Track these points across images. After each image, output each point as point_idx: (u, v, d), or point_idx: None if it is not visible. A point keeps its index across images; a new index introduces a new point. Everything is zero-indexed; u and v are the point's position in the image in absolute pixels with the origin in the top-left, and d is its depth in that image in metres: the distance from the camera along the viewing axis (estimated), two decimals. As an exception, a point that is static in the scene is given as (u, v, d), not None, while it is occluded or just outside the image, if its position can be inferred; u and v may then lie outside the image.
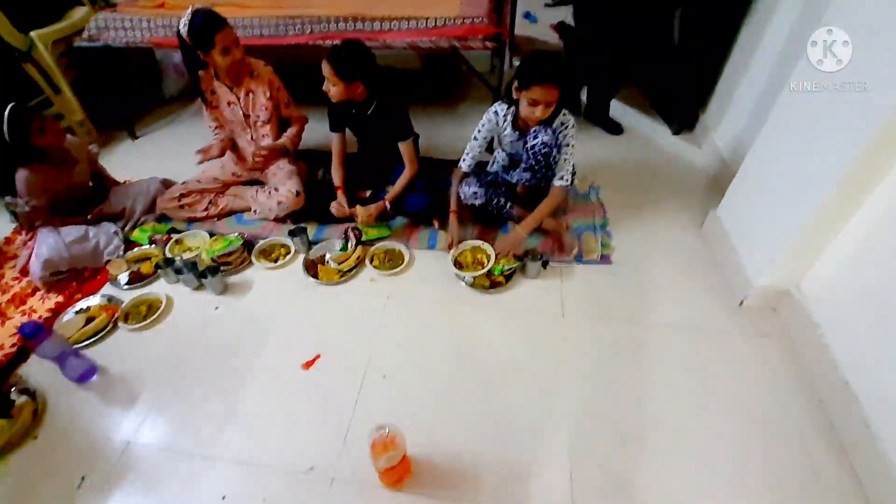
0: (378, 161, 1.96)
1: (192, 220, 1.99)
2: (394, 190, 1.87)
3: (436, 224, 1.88)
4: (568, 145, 1.62)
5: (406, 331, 1.54)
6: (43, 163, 1.75)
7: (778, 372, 1.38)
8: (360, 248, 1.78)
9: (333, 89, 1.67)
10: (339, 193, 1.89)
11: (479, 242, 1.76)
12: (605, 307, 1.58)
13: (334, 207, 1.88)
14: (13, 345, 1.56)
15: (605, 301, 1.60)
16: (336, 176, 1.91)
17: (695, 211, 1.93)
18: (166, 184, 2.07)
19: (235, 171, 2.05)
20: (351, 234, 1.81)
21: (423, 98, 2.78)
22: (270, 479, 1.21)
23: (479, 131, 1.70)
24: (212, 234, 1.91)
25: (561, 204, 1.84)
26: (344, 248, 1.79)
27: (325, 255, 1.79)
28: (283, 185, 1.92)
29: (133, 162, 2.40)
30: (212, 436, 1.31)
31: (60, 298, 1.71)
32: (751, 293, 1.52)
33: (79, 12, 2.55)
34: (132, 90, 2.83)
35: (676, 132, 2.46)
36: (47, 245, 1.74)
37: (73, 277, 1.78)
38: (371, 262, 1.75)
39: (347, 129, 1.91)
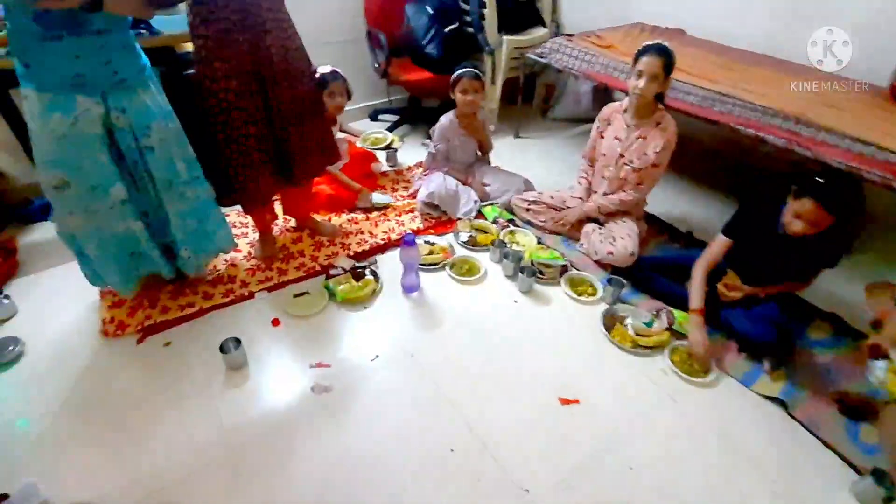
0: (750, 276, 1.81)
1: (528, 223, 2.34)
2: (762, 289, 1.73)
3: (765, 365, 1.66)
4: None
5: (674, 444, 1.44)
6: (455, 114, 2.36)
7: None
8: (666, 333, 1.75)
9: (805, 227, 1.51)
10: (698, 316, 1.69)
11: None
12: None
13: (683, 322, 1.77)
14: (382, 239, 2.19)
15: None
16: (698, 284, 1.75)
17: None
18: (527, 184, 2.48)
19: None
20: (664, 316, 1.79)
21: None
22: (489, 466, 1.35)
23: None
24: (539, 241, 2.21)
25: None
26: (649, 324, 1.78)
27: (626, 317, 1.83)
28: (621, 239, 2.03)
29: (508, 155, 2.94)
30: (463, 395, 1.55)
31: (421, 226, 2.30)
32: None
33: (538, 31, 3.29)
34: (528, 99, 3.49)
35: None
36: (436, 182, 2.34)
37: (437, 218, 2.35)
38: (670, 353, 1.69)
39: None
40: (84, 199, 1.46)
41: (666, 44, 1.89)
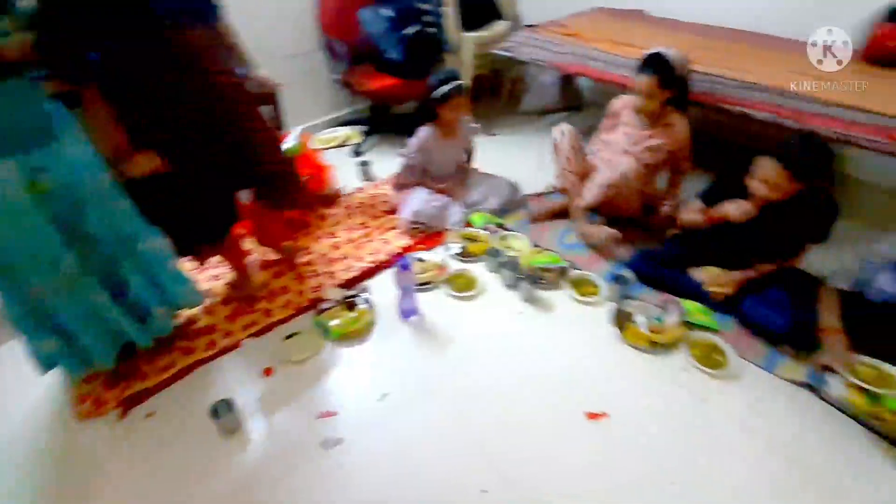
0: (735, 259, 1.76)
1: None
2: (761, 270, 1.68)
3: (787, 350, 1.58)
4: None
5: (713, 451, 1.35)
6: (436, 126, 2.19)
7: None
8: (681, 327, 1.65)
9: (767, 190, 1.55)
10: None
11: (882, 364, 1.44)
12: None
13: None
14: (370, 262, 2.02)
15: None
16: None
17: None
18: (513, 188, 2.36)
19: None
20: (673, 309, 1.70)
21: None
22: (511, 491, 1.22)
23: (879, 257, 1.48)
24: (534, 244, 2.08)
25: None
26: (660, 320, 1.69)
27: (636, 315, 1.72)
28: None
29: (484, 154, 2.77)
30: (483, 425, 1.42)
31: (410, 242, 2.14)
32: None
33: (498, 25, 3.15)
34: (500, 95, 3.37)
35: None
36: (419, 198, 2.18)
37: (424, 232, 2.19)
38: (690, 349, 1.60)
39: None
40: (36, 278, 1.25)
41: (668, 55, 1.83)
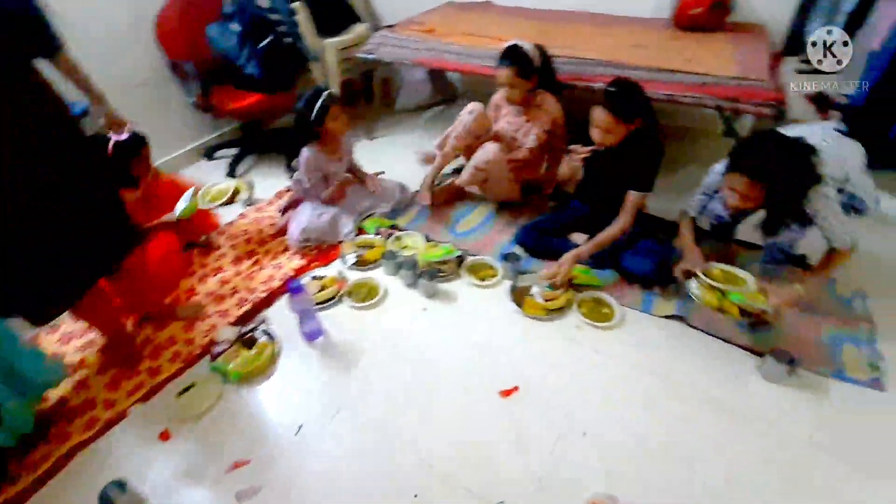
0: (599, 206, 1.93)
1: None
2: (595, 242, 1.81)
3: (657, 290, 1.77)
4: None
5: (611, 393, 1.47)
6: (319, 144, 2.09)
7: None
8: (570, 291, 1.77)
9: (602, 135, 1.69)
10: None
11: (733, 269, 1.61)
12: (879, 452, 1.29)
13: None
14: (264, 291, 1.90)
15: (876, 443, 1.31)
16: None
17: None
18: (403, 189, 2.35)
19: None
20: (562, 274, 1.81)
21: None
22: (459, 495, 1.24)
23: (706, 187, 1.70)
24: (428, 239, 2.10)
25: (810, 292, 1.56)
26: (552, 288, 1.79)
27: (531, 287, 1.81)
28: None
29: (368, 160, 2.72)
30: (406, 429, 1.41)
31: (304, 262, 2.04)
32: None
33: (358, 27, 3.10)
34: (373, 98, 3.33)
35: None
36: (306, 214, 2.09)
37: (317, 248, 2.10)
38: (579, 308, 1.72)
39: None
40: None
41: (523, 47, 1.93)
